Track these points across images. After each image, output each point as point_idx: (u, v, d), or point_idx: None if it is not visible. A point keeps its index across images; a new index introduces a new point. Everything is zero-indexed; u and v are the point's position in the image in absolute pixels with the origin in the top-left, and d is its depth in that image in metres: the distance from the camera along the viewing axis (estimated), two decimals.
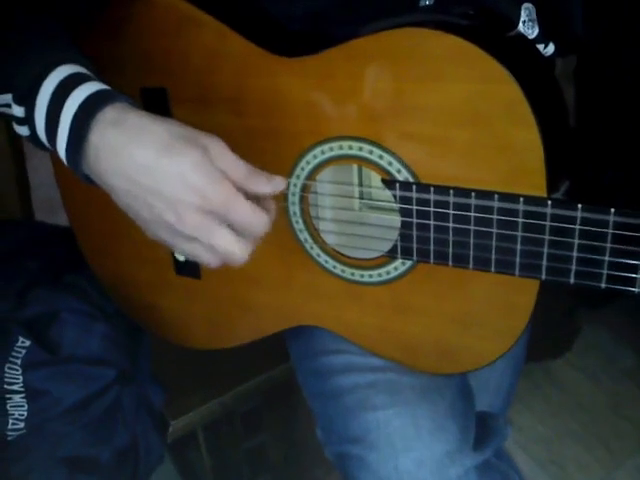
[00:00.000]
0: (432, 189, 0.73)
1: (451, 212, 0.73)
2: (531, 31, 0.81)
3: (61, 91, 0.67)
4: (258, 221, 0.66)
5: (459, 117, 0.70)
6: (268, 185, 0.68)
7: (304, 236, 0.84)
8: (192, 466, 1.43)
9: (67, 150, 0.68)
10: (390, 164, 0.75)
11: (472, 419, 0.89)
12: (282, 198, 0.82)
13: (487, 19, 0.76)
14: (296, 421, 1.37)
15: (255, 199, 0.67)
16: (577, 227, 0.68)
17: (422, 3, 0.77)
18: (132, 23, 0.83)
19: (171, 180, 0.64)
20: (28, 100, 0.69)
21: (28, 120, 0.70)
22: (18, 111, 0.70)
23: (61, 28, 0.74)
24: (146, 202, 0.66)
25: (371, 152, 0.76)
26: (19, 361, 0.96)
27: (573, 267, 0.70)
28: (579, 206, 0.67)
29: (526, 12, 0.80)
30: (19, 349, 0.96)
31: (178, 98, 0.83)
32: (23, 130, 0.72)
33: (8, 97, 0.71)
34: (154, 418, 1.07)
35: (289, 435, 1.39)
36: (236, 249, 0.67)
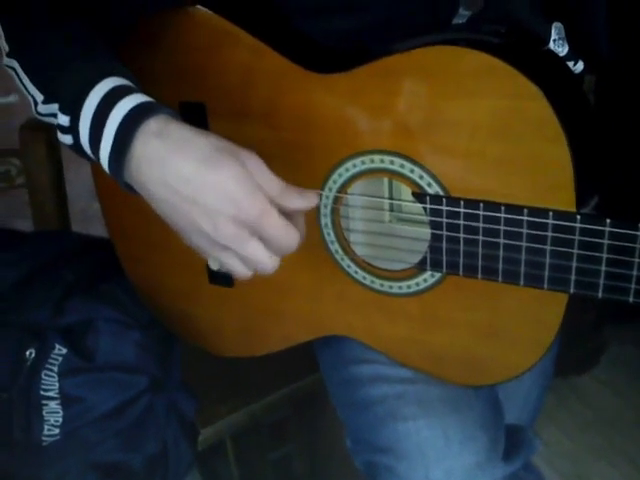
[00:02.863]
0: (462, 202, 0.74)
1: (481, 225, 0.74)
2: (561, 49, 0.83)
3: (106, 102, 0.69)
4: (288, 238, 0.68)
5: (490, 132, 0.71)
6: (301, 200, 0.70)
7: (335, 247, 0.86)
8: (218, 475, 1.44)
9: (110, 160, 0.70)
10: (421, 177, 0.76)
11: (501, 430, 0.89)
12: (314, 210, 0.84)
13: (518, 37, 0.78)
14: (323, 432, 1.38)
15: (287, 215, 0.69)
16: (605, 242, 0.68)
17: (454, 22, 0.78)
18: (171, 38, 0.85)
19: (210, 191, 0.66)
20: (74, 110, 0.71)
21: (72, 129, 0.72)
22: (63, 120, 0.72)
23: (106, 41, 0.76)
24: (185, 211, 0.68)
25: (402, 166, 0.77)
26: (56, 368, 0.98)
27: (601, 281, 0.70)
28: (607, 221, 0.67)
29: (556, 30, 0.82)
30: (56, 356, 0.98)
31: (216, 113, 0.85)
32: (67, 139, 0.74)
33: (55, 107, 0.73)
34: (184, 426, 1.08)
35: (316, 446, 1.40)
36: (267, 261, 0.69)
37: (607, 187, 0.74)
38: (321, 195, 0.83)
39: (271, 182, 0.68)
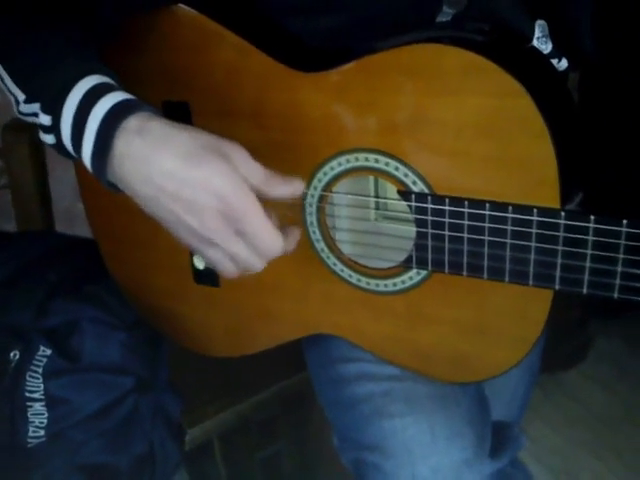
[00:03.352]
0: (447, 200, 0.74)
1: (466, 223, 0.74)
2: (545, 46, 0.83)
3: (87, 100, 0.69)
4: (271, 238, 0.68)
5: (474, 130, 0.71)
6: (286, 187, 0.70)
7: (321, 246, 0.86)
8: (206, 475, 1.44)
9: (92, 158, 0.70)
10: (406, 176, 0.76)
11: (488, 427, 0.89)
12: (299, 208, 0.84)
13: (502, 35, 0.78)
14: (312, 430, 1.37)
15: (279, 224, 0.69)
16: (590, 238, 0.69)
17: (438, 20, 0.78)
18: (156, 38, 0.84)
19: (195, 186, 0.66)
20: (55, 109, 0.71)
21: (54, 129, 0.72)
22: (45, 120, 0.72)
23: (87, 40, 0.76)
24: (170, 207, 0.68)
25: (387, 164, 0.77)
26: (40, 370, 0.97)
27: (586, 277, 0.71)
28: (592, 217, 0.68)
29: (540, 28, 0.82)
30: (40, 358, 0.97)
31: (200, 112, 0.85)
32: (49, 138, 0.73)
33: (36, 106, 0.73)
34: (171, 426, 1.08)
35: (304, 444, 1.40)
36: (253, 260, 0.69)
37: (592, 184, 0.75)
38: (306, 193, 0.82)
39: (255, 171, 0.68)
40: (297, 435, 1.37)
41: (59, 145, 0.73)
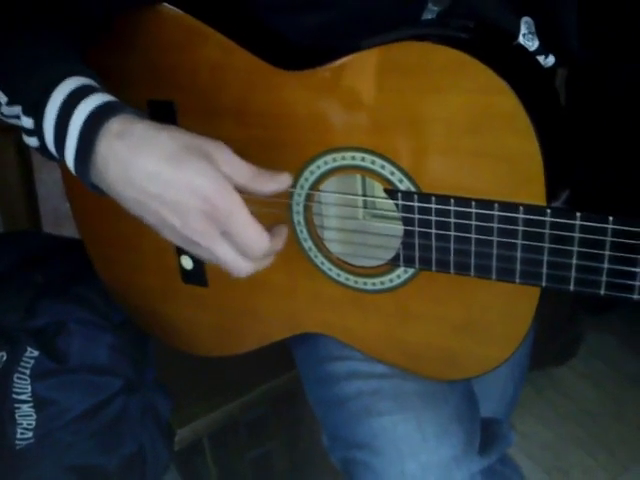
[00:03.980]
0: (433, 198, 0.74)
1: (452, 221, 0.74)
2: (531, 43, 0.83)
3: (69, 102, 0.68)
4: (256, 237, 0.67)
5: (459, 128, 0.71)
6: (273, 183, 0.70)
7: (308, 245, 0.86)
8: (198, 475, 1.44)
9: (75, 160, 0.69)
10: (392, 174, 0.76)
11: (477, 424, 0.89)
12: (286, 207, 0.83)
13: (487, 32, 0.78)
14: (301, 429, 1.38)
15: (266, 223, 0.69)
16: (576, 235, 0.68)
17: (424, 17, 0.78)
18: (140, 37, 0.84)
19: (179, 187, 0.65)
20: (37, 112, 0.70)
21: (37, 131, 0.71)
22: (27, 122, 0.71)
23: (69, 42, 0.75)
24: (154, 209, 0.67)
25: (373, 162, 0.77)
26: (28, 371, 0.97)
27: (573, 274, 0.71)
28: (578, 214, 0.68)
29: (526, 25, 0.82)
30: (28, 359, 0.97)
31: (185, 111, 0.85)
32: (32, 141, 0.73)
33: (18, 109, 0.72)
34: (160, 427, 1.08)
35: (294, 443, 1.40)
36: (239, 264, 0.69)
37: (580, 181, 0.75)
38: (293, 192, 0.82)
39: (241, 169, 0.68)
40: (287, 434, 1.38)
41: (43, 148, 0.73)
